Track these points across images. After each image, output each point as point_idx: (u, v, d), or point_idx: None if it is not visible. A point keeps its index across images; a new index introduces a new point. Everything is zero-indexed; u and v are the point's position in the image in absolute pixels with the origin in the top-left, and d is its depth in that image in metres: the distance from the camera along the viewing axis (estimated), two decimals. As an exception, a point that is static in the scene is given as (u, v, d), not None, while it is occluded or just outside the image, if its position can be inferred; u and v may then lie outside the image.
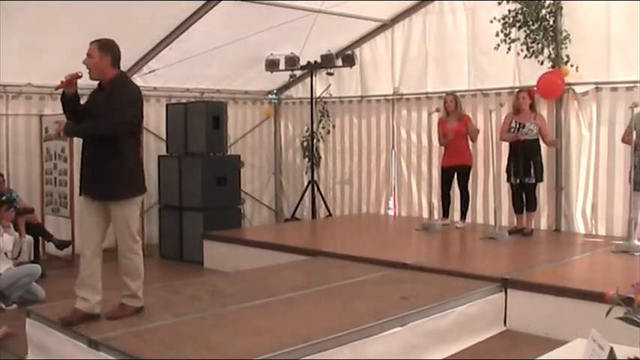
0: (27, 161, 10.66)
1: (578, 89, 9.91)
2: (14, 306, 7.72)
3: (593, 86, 9.76)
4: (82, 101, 5.74)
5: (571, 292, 6.39)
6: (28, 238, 9.15)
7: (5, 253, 8.00)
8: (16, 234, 8.39)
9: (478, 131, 10.44)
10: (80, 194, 5.81)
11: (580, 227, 10.00)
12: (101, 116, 5.46)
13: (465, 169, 10.39)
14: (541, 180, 9.69)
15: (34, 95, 10.59)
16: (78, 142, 10.53)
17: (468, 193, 10.49)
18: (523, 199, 9.73)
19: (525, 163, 9.50)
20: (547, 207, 10.28)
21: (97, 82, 5.69)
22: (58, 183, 10.37)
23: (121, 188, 5.52)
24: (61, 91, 5.59)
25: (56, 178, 10.41)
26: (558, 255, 8.48)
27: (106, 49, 5.59)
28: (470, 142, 10.44)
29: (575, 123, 10.03)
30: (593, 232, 9.86)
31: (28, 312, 6.16)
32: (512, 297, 6.81)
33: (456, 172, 10.39)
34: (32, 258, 9.41)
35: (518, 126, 9.56)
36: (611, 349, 2.98)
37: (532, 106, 9.65)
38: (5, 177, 9.88)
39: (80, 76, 5.50)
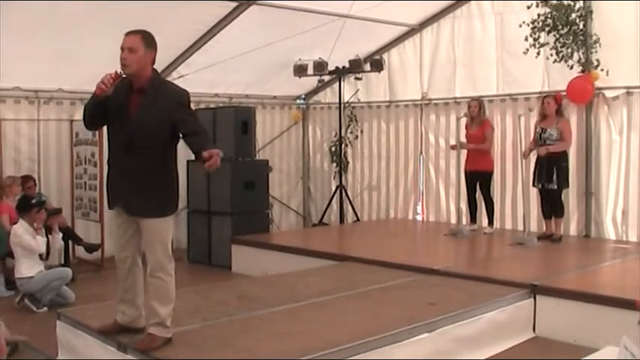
0: (58, 166, 10.77)
1: (609, 94, 9.82)
2: (45, 309, 7.81)
3: (624, 90, 9.66)
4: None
5: (601, 299, 6.34)
6: (60, 241, 9.19)
7: (40, 255, 8.09)
8: (49, 236, 8.45)
9: (491, 140, 10.38)
10: (110, 208, 5.26)
11: (610, 233, 9.90)
12: (145, 131, 4.87)
13: (485, 174, 10.35)
14: (565, 187, 9.59)
15: (64, 100, 10.69)
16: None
17: (491, 198, 10.44)
18: (550, 204, 9.66)
19: (549, 168, 9.43)
20: (577, 213, 10.20)
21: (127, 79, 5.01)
22: (88, 187, 10.45)
23: (161, 205, 5.01)
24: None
25: (86, 182, 10.50)
26: (588, 261, 8.41)
27: (152, 43, 4.99)
28: (494, 148, 10.40)
29: (605, 128, 9.94)
30: (624, 239, 9.76)
31: (58, 314, 6.24)
32: (541, 303, 6.76)
33: (477, 178, 10.35)
34: (62, 261, 9.50)
35: (541, 131, 9.50)
36: (643, 356, 2.95)
37: (558, 112, 9.57)
38: (36, 181, 9.98)
39: (121, 74, 4.87)
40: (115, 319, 5.38)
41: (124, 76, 4.89)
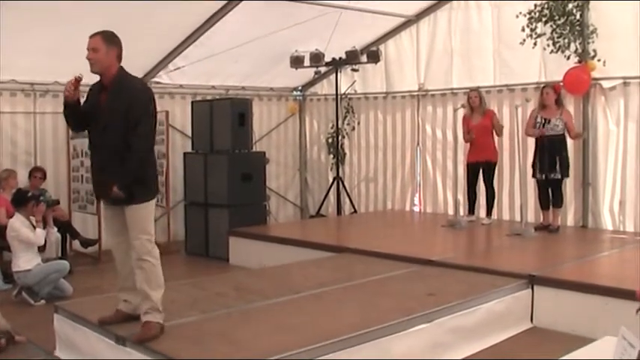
0: (54, 159, 10.77)
1: (606, 84, 9.81)
2: (42, 302, 7.81)
3: (621, 81, 9.67)
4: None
5: (599, 289, 6.35)
6: (56, 234, 9.17)
7: (38, 248, 8.08)
8: (48, 229, 8.43)
9: (502, 127, 10.38)
10: (97, 201, 5.57)
11: (607, 224, 9.91)
12: (112, 125, 5.11)
13: (491, 164, 10.32)
14: (567, 176, 9.60)
15: (61, 93, 10.58)
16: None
17: (493, 189, 10.43)
18: (549, 195, 9.65)
19: (551, 158, 9.43)
20: (574, 203, 10.20)
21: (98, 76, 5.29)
22: (84, 180, 10.43)
23: (133, 192, 5.14)
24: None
25: (83, 175, 10.47)
26: (585, 252, 8.43)
27: (112, 41, 5.20)
28: (495, 138, 10.37)
29: (602, 118, 9.95)
30: (621, 229, 9.77)
31: (56, 307, 6.24)
32: (539, 294, 6.77)
33: (481, 168, 10.33)
34: (60, 254, 9.49)
35: (543, 121, 9.48)
36: (642, 346, 2.95)
37: (558, 102, 9.56)
38: (46, 174, 10.10)
39: (81, 79, 5.11)
40: (116, 309, 5.47)
41: (80, 77, 5.10)
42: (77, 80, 5.10)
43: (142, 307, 5.20)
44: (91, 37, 5.22)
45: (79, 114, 5.27)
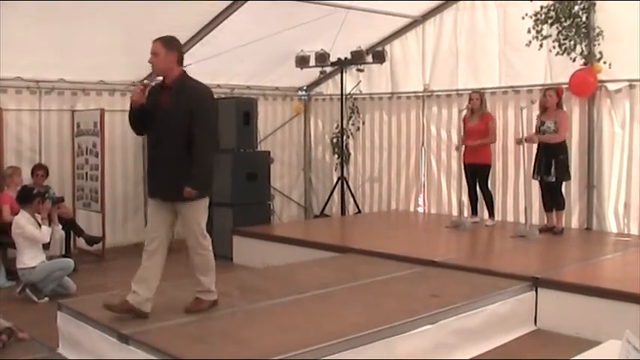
0: (59, 156, 10.78)
1: (611, 86, 9.79)
2: (46, 299, 7.81)
3: (627, 83, 9.64)
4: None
5: (603, 292, 6.34)
6: (60, 231, 9.17)
7: (43, 245, 8.08)
8: (53, 226, 8.43)
9: (495, 136, 10.39)
10: (150, 196, 5.79)
11: (612, 226, 9.89)
12: (175, 125, 5.43)
13: (484, 167, 10.32)
14: (565, 179, 9.58)
15: (66, 91, 10.69)
16: (110, 138, 10.68)
17: (489, 191, 10.43)
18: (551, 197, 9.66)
19: (547, 161, 9.42)
20: (578, 205, 10.18)
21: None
22: (89, 178, 10.46)
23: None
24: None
25: (87, 172, 10.50)
26: (590, 254, 8.41)
27: (171, 46, 5.57)
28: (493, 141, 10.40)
29: (607, 121, 9.92)
30: (626, 231, 9.75)
31: (59, 305, 6.24)
32: (542, 296, 6.76)
33: (475, 171, 10.34)
34: (64, 252, 9.50)
35: (541, 124, 9.49)
36: (647, 350, 2.94)
37: (559, 104, 9.56)
38: (48, 171, 10.08)
39: (148, 84, 5.59)
40: (125, 299, 5.55)
41: (152, 84, 5.59)
42: (145, 85, 5.55)
43: (196, 288, 5.75)
44: (154, 41, 5.57)
45: (145, 115, 5.56)
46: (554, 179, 9.45)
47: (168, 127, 5.45)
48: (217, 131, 5.71)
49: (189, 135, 5.41)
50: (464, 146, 10.46)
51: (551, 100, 9.46)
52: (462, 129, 10.45)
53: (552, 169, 9.39)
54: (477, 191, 10.51)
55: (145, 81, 5.55)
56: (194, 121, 5.42)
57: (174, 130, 5.43)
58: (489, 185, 10.49)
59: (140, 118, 5.61)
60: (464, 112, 10.50)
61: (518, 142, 9.85)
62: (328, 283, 6.93)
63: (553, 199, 9.62)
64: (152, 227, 5.70)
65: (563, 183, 9.64)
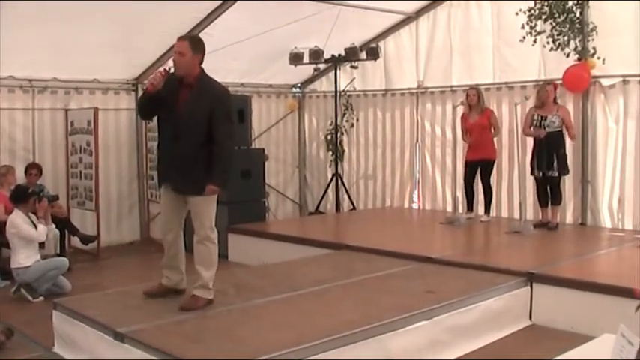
0: (53, 155, 10.75)
1: (605, 82, 9.80)
2: (41, 298, 7.79)
3: (620, 79, 9.65)
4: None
5: (598, 286, 6.35)
6: (54, 230, 9.15)
7: (39, 244, 8.07)
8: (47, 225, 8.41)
9: (499, 128, 10.40)
10: (159, 186, 6.01)
11: (606, 221, 9.91)
12: (195, 122, 5.60)
13: (489, 163, 10.32)
14: (565, 173, 9.61)
15: (59, 89, 10.65)
16: (104, 136, 10.67)
17: (490, 187, 10.44)
18: (547, 192, 9.66)
19: (548, 156, 9.42)
20: (573, 201, 10.20)
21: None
22: (83, 177, 10.44)
23: (205, 186, 5.66)
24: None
25: (81, 171, 10.48)
26: (584, 249, 8.43)
27: (198, 48, 5.69)
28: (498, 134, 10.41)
29: (601, 116, 9.93)
30: (620, 227, 9.76)
31: (54, 304, 6.23)
32: (537, 291, 6.77)
33: (479, 167, 10.33)
34: (58, 251, 9.48)
35: (540, 119, 9.49)
36: (641, 344, 2.94)
37: (555, 99, 9.58)
38: (42, 170, 10.06)
39: (169, 70, 5.65)
40: (160, 283, 6.09)
41: (171, 71, 5.63)
42: (166, 71, 5.61)
43: (194, 284, 5.83)
44: (179, 40, 5.73)
45: (156, 102, 5.69)
46: (556, 174, 9.46)
47: (188, 124, 5.61)
48: (235, 130, 5.98)
49: (208, 133, 5.61)
50: (467, 144, 10.45)
51: (550, 94, 9.47)
52: (462, 127, 10.42)
53: (555, 164, 9.40)
54: (474, 188, 10.51)
55: (167, 67, 5.68)
56: (215, 120, 5.61)
57: (194, 128, 5.61)
58: (491, 181, 10.50)
59: (153, 104, 5.74)
60: (459, 109, 10.49)
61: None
62: (323, 280, 6.92)
63: (552, 195, 9.62)
64: (166, 220, 6.00)
65: (562, 178, 9.66)
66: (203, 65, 5.80)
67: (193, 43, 5.70)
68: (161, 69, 5.66)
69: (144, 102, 5.89)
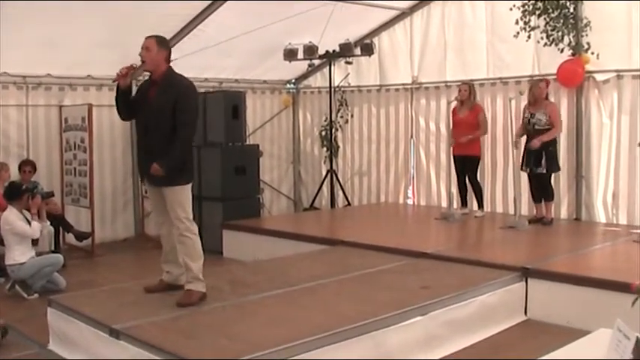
0: (47, 151, 10.71)
1: (599, 77, 9.80)
2: (36, 295, 7.77)
3: (615, 74, 9.65)
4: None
5: (592, 281, 6.37)
6: (49, 227, 9.12)
7: (32, 241, 8.05)
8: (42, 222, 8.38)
9: (486, 129, 10.43)
10: (141, 181, 6.35)
11: (601, 216, 9.92)
12: (160, 116, 5.83)
13: (472, 159, 10.35)
14: (555, 170, 9.61)
15: (53, 86, 10.62)
16: (98, 133, 10.64)
17: (478, 183, 10.47)
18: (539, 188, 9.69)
19: (537, 153, 9.42)
20: (567, 196, 10.21)
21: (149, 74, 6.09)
22: (77, 173, 10.40)
23: (174, 176, 5.86)
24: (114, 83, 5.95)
25: (76, 168, 10.44)
26: (579, 244, 8.44)
27: (163, 44, 6.00)
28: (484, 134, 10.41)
29: (595, 111, 9.94)
30: (614, 222, 9.77)
31: (49, 301, 6.22)
32: (532, 286, 6.79)
33: (464, 163, 10.36)
34: (53, 248, 9.46)
35: (530, 116, 9.50)
36: (638, 338, 2.95)
37: (547, 96, 9.60)
38: (36, 167, 10.02)
39: (135, 68, 5.89)
40: (160, 280, 6.31)
41: (138, 68, 5.96)
42: (132, 67, 5.86)
43: (185, 278, 5.96)
44: (147, 38, 5.97)
45: (128, 102, 6.00)
46: (544, 171, 9.47)
47: (155, 117, 5.87)
48: (196, 124, 6.16)
49: (173, 125, 5.84)
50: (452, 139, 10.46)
51: (542, 91, 9.49)
52: (452, 120, 10.44)
53: (543, 161, 9.40)
54: (466, 183, 10.53)
55: (134, 64, 5.91)
56: (178, 110, 5.84)
57: (160, 121, 5.84)
58: (478, 177, 10.51)
59: (125, 105, 6.01)
60: (453, 104, 10.49)
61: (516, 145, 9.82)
62: (318, 276, 6.93)
63: (542, 191, 9.65)
64: (156, 213, 6.39)
65: (553, 174, 9.66)
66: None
67: (159, 39, 5.99)
68: (125, 67, 5.84)
69: (116, 97, 6.03)
